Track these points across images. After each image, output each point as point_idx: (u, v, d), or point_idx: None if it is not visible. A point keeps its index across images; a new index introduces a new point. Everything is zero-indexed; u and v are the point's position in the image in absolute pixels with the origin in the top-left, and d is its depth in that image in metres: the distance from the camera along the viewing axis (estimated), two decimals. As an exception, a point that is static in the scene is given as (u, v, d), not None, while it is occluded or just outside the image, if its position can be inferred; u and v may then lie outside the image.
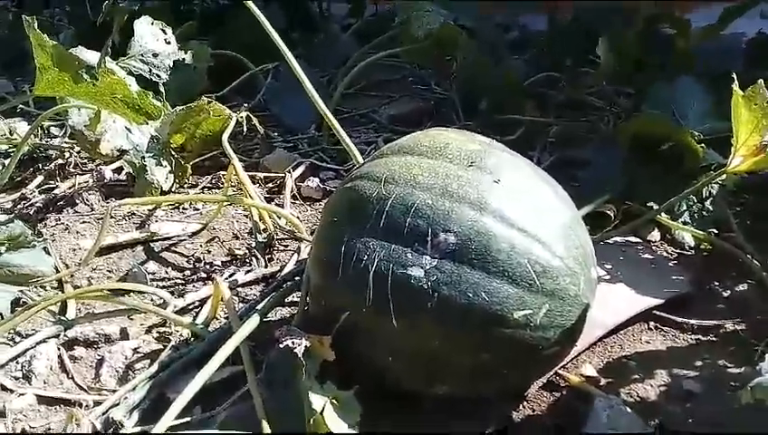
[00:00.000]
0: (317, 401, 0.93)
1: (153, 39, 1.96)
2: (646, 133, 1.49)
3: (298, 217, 1.57)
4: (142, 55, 1.93)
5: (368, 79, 2.45)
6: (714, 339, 1.17)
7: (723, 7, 1.91)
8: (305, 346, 0.94)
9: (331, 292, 0.98)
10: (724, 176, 1.39)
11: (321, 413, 0.92)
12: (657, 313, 1.22)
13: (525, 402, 1.07)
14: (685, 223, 1.42)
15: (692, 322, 1.20)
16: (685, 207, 1.43)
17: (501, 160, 0.99)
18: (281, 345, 0.95)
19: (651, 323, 1.21)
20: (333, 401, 0.94)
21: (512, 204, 0.94)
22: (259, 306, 1.12)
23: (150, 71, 1.94)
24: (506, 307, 0.90)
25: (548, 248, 0.93)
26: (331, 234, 0.99)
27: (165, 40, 1.99)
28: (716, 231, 1.40)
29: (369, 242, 0.94)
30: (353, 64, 2.24)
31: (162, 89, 1.96)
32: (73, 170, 1.94)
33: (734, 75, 1.20)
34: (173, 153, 1.80)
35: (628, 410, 0.99)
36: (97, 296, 1.29)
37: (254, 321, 1.02)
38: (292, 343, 0.95)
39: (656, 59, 1.76)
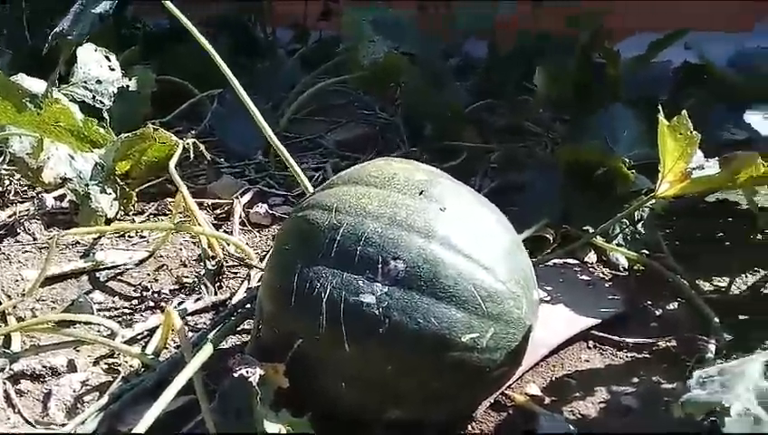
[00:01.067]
0: (272, 428, 0.95)
1: (97, 66, 1.95)
2: (580, 160, 1.57)
3: (247, 244, 1.58)
4: (86, 82, 1.92)
5: (313, 104, 2.47)
6: (648, 356, 1.23)
7: (652, 39, 2.03)
8: (260, 374, 0.96)
9: (285, 319, 1.00)
10: (653, 201, 1.48)
11: (276, 440, 0.94)
12: (595, 332, 1.28)
13: (474, 423, 1.10)
14: (619, 245, 1.49)
15: (628, 340, 1.26)
16: (618, 230, 1.51)
17: (445, 189, 1.03)
18: (235, 374, 0.97)
19: (590, 342, 1.27)
20: (288, 428, 0.96)
21: (457, 231, 0.98)
22: (211, 335, 1.13)
23: (94, 97, 1.92)
24: (455, 331, 0.94)
25: (491, 273, 0.97)
26: (284, 262, 1.02)
27: (109, 66, 1.98)
28: (647, 252, 1.48)
29: (322, 270, 0.96)
30: (301, 90, 2.27)
31: (106, 115, 1.95)
32: (13, 198, 1.91)
33: (660, 105, 1.28)
34: (118, 180, 1.78)
35: (571, 427, 1.04)
36: (43, 329, 1.27)
37: (207, 350, 1.03)
38: (247, 371, 0.96)
39: (590, 87, 1.85)
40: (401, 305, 0.94)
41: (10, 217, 1.80)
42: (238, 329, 1.29)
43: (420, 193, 1.02)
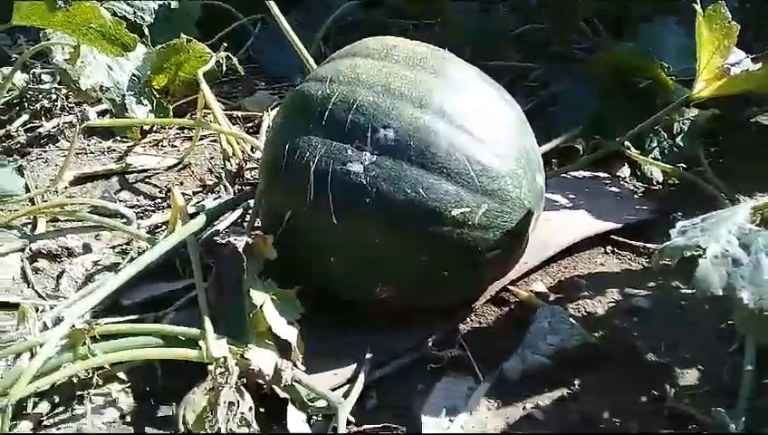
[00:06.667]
0: (257, 297, 0.94)
1: (139, -19, 1.96)
2: (618, 66, 1.47)
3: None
4: (127, -3, 1.94)
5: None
6: (668, 263, 1.16)
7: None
8: (246, 242, 0.95)
9: (274, 191, 0.99)
10: (695, 112, 1.38)
11: (261, 309, 0.93)
12: (616, 238, 1.21)
13: (473, 315, 1.07)
14: (655, 158, 1.40)
15: (649, 245, 1.19)
16: (655, 144, 1.42)
17: (446, 62, 0.99)
18: (223, 242, 0.96)
19: (608, 248, 1.21)
20: (274, 297, 0.95)
21: (454, 102, 0.94)
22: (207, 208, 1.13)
23: (135, 12, 1.94)
24: (444, 204, 0.90)
25: (488, 147, 0.92)
26: (277, 134, 1.00)
27: (151, -16, 1.99)
28: (685, 166, 1.39)
29: (312, 140, 0.94)
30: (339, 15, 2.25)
31: (147, 32, 1.97)
32: (59, 112, 1.97)
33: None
34: (155, 93, 1.81)
35: (572, 320, 0.99)
36: (60, 212, 1.31)
37: (200, 219, 1.03)
38: (235, 239, 0.96)
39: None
40: (389, 175, 0.90)
41: (54, 127, 1.86)
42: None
43: (417, 64, 0.97)
